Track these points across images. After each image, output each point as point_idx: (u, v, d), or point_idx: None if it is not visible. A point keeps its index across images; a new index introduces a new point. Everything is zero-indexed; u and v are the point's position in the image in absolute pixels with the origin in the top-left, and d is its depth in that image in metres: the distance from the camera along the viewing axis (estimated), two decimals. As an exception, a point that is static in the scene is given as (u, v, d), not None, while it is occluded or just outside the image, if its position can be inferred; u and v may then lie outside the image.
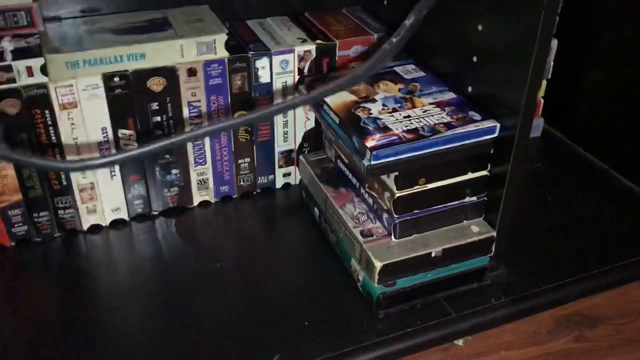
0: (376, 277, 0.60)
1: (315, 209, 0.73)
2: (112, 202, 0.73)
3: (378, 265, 0.60)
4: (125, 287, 0.66)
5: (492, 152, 0.61)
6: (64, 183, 0.69)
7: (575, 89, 0.87)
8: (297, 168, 0.80)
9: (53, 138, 0.66)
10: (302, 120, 0.77)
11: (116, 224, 0.74)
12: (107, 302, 0.64)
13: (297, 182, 0.81)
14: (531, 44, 0.54)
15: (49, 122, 0.65)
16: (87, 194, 0.71)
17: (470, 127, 0.59)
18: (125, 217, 0.74)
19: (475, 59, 0.62)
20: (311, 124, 0.78)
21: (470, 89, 0.64)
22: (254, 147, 0.76)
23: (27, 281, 0.67)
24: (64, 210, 0.71)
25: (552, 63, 0.84)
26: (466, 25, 0.62)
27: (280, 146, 0.78)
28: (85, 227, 0.73)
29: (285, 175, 0.80)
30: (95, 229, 0.73)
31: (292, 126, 0.77)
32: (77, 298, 0.64)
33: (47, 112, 0.64)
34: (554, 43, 0.83)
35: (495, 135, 0.60)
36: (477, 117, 0.61)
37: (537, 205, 0.77)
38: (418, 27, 0.39)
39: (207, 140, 0.73)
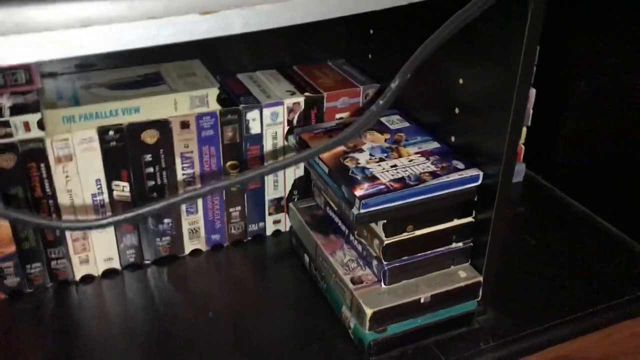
0: (367, 323, 0.61)
1: (306, 256, 0.75)
2: (104, 252, 0.73)
3: (369, 312, 0.61)
4: (117, 338, 0.66)
5: (476, 199, 0.63)
6: (58, 234, 0.70)
7: (554, 135, 0.90)
8: (287, 215, 0.81)
9: (48, 191, 0.67)
10: (291, 168, 0.79)
11: (108, 273, 0.75)
12: (99, 353, 0.64)
13: (288, 229, 0.82)
14: (510, 94, 0.57)
15: (44, 175, 0.66)
16: (80, 244, 0.72)
17: (454, 176, 0.61)
18: (118, 266, 0.75)
19: (457, 110, 0.64)
20: (300, 172, 0.80)
21: (453, 138, 0.66)
22: (245, 195, 0.78)
23: (19, 334, 0.67)
24: (56, 260, 0.71)
25: (531, 111, 0.87)
26: (448, 79, 0.65)
27: (270, 194, 0.79)
28: (77, 277, 0.73)
29: (276, 222, 0.82)
30: (88, 279, 0.74)
31: (282, 174, 0.79)
32: (69, 350, 0.65)
33: (42, 165, 0.66)
34: (532, 92, 0.86)
35: (479, 183, 0.62)
36: (460, 165, 0.63)
37: (522, 250, 0.79)
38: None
39: (198, 190, 0.74)
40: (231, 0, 0.39)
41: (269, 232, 0.82)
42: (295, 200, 0.81)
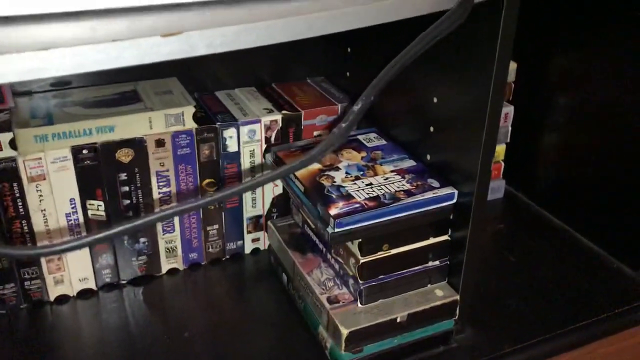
0: (343, 344, 0.61)
1: (284, 274, 0.74)
2: (79, 272, 0.73)
3: (345, 332, 0.60)
4: (92, 359, 0.65)
5: (452, 217, 0.63)
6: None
7: (533, 152, 0.90)
8: (265, 233, 0.81)
9: (21, 210, 0.66)
10: (270, 185, 0.79)
11: (84, 293, 0.74)
12: (72, 375, 0.64)
13: (266, 247, 0.82)
14: (483, 113, 0.57)
15: (17, 195, 0.65)
16: (55, 264, 0.71)
17: (429, 195, 0.61)
18: (93, 286, 0.74)
19: (432, 129, 0.64)
20: (279, 190, 0.80)
21: (429, 156, 0.66)
22: (223, 213, 0.77)
23: (-10, 356, 0.66)
24: (30, 281, 0.70)
25: (510, 128, 0.88)
26: (422, 98, 0.65)
27: (249, 212, 0.79)
28: (52, 297, 0.72)
29: (254, 240, 0.81)
30: (63, 299, 0.73)
31: (260, 192, 0.79)
32: (41, 372, 0.64)
33: (15, 185, 0.65)
34: (511, 109, 0.87)
35: (454, 201, 0.62)
36: (435, 184, 0.63)
37: (501, 267, 0.79)
38: (376, 102, 0.41)
39: (175, 208, 0.74)
40: (195, 22, 0.39)
41: (247, 250, 0.81)
42: (274, 218, 0.80)
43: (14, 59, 0.34)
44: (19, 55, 0.34)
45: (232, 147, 0.73)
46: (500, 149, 0.90)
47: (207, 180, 0.74)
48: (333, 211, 0.59)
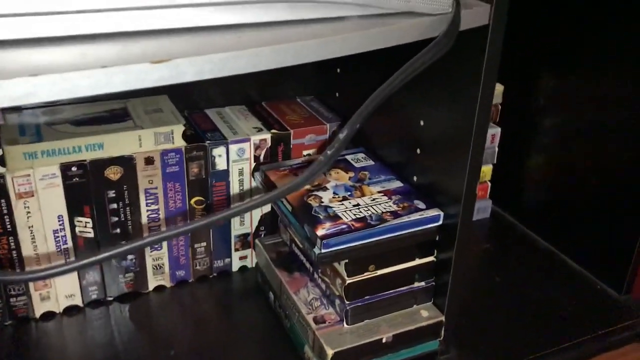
0: (328, 364, 0.61)
1: (271, 293, 0.74)
2: (66, 289, 0.72)
3: (330, 352, 0.61)
4: (75, 378, 0.65)
5: (437, 238, 0.64)
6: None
7: (520, 173, 0.91)
8: (253, 251, 0.81)
9: (8, 227, 0.66)
10: (258, 204, 0.79)
11: (70, 310, 0.74)
12: (56, 394, 0.63)
13: (254, 265, 0.82)
14: (468, 136, 0.58)
15: (5, 211, 0.65)
16: (41, 281, 0.71)
17: (415, 216, 0.62)
18: (80, 303, 0.74)
19: (418, 151, 0.65)
20: (267, 208, 0.80)
21: (415, 178, 0.67)
22: (210, 231, 0.77)
23: (-26, 373, 0.65)
24: (16, 297, 0.70)
25: (497, 149, 0.89)
26: (410, 121, 0.66)
27: (236, 230, 0.79)
28: (37, 314, 0.72)
29: (242, 258, 0.81)
30: (48, 316, 0.73)
31: (249, 210, 0.79)
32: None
33: (2, 201, 0.65)
34: (498, 130, 0.88)
35: (440, 223, 0.63)
36: (422, 205, 0.64)
37: (486, 287, 0.80)
38: (364, 125, 0.42)
39: (162, 225, 0.74)
40: (183, 48, 0.40)
41: (235, 268, 0.81)
42: (262, 236, 0.81)
43: (4, 84, 0.35)
44: (9, 82, 0.35)
45: (221, 165, 0.74)
46: (487, 170, 0.91)
47: (195, 198, 0.74)
48: (320, 232, 0.60)
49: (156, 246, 0.75)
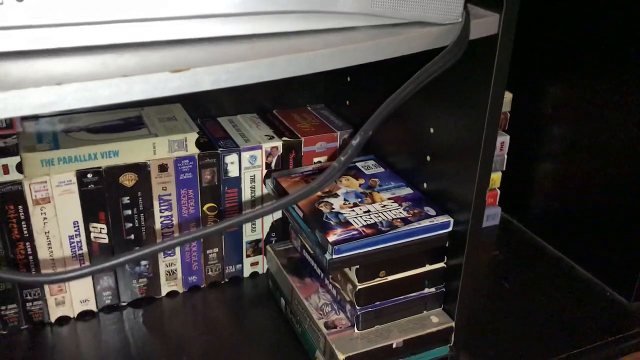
0: (339, 368, 0.62)
1: (282, 299, 0.75)
2: (81, 294, 0.74)
3: (341, 357, 0.61)
4: (90, 381, 0.66)
5: (447, 245, 0.65)
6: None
7: (528, 180, 0.92)
8: (264, 257, 0.82)
9: (25, 232, 0.67)
10: (269, 211, 0.80)
11: (84, 315, 0.75)
12: (71, 397, 0.64)
13: (265, 271, 0.83)
14: (478, 143, 0.58)
15: (22, 217, 0.67)
16: (57, 285, 0.72)
17: (425, 223, 0.63)
18: (94, 308, 0.75)
19: (428, 158, 0.66)
20: (278, 214, 0.81)
21: (425, 185, 0.68)
22: (222, 237, 0.78)
23: (-9, 376, 0.66)
24: (32, 302, 0.71)
25: (506, 156, 0.89)
26: (420, 128, 0.66)
27: (248, 236, 0.80)
28: (52, 318, 0.73)
29: (253, 264, 0.82)
30: (63, 320, 0.74)
31: (260, 217, 0.80)
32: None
33: (20, 207, 0.66)
34: (507, 138, 0.89)
35: (450, 229, 0.64)
36: (432, 212, 0.64)
37: (496, 293, 0.80)
38: (376, 132, 0.43)
39: (176, 231, 0.75)
40: (200, 57, 0.41)
41: (246, 274, 0.82)
42: (273, 242, 0.81)
43: (29, 93, 0.36)
44: (33, 90, 0.36)
45: (233, 172, 0.75)
46: (497, 177, 0.91)
47: (208, 205, 0.75)
48: (331, 238, 0.61)
49: (169, 252, 0.76)
